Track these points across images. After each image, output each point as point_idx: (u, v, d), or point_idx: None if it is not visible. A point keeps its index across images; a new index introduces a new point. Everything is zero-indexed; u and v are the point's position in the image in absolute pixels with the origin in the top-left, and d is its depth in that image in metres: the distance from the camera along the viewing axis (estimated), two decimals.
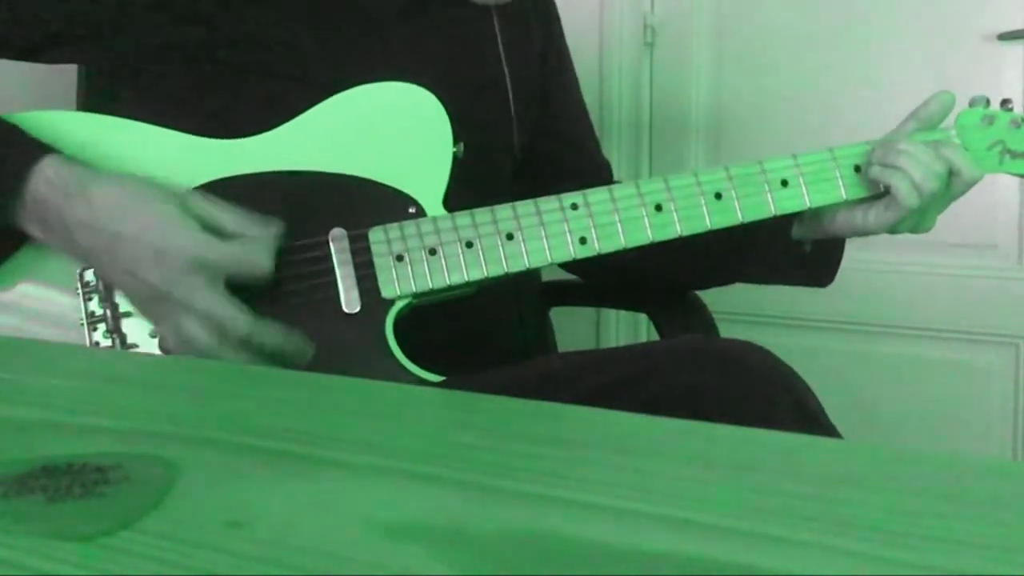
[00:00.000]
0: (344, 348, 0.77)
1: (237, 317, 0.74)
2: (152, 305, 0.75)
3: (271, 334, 0.75)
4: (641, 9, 1.78)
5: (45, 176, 0.75)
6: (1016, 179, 1.52)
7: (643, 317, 1.66)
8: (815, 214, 0.88)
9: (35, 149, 0.76)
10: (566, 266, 1.10)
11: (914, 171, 0.83)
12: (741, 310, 1.60)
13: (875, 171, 0.85)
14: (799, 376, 0.73)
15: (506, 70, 0.94)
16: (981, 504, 0.31)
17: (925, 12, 1.55)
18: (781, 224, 0.89)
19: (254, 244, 0.75)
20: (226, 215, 0.75)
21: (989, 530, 0.29)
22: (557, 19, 1.07)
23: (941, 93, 0.88)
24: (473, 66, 0.93)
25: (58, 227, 0.75)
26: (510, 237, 0.81)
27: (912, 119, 0.89)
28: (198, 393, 0.49)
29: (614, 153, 1.76)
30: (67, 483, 0.32)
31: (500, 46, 0.94)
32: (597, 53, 1.81)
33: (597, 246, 0.82)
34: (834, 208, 0.87)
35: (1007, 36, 1.48)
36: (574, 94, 1.09)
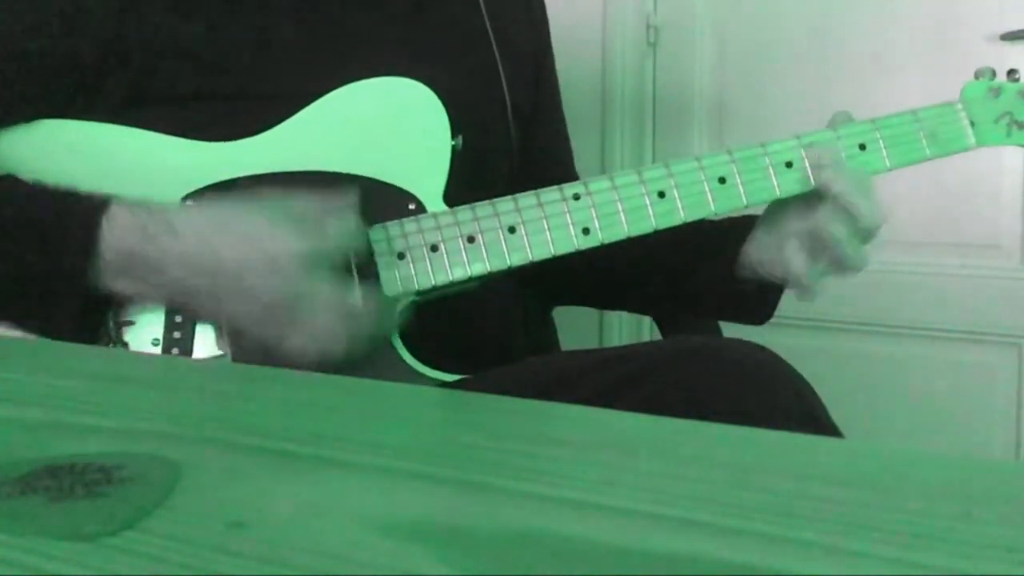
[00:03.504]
0: None
1: (362, 303, 0.74)
2: (273, 322, 0.72)
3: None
4: (644, 9, 1.78)
5: (119, 223, 0.72)
6: (1020, 180, 1.53)
7: (646, 318, 1.66)
8: (757, 259, 0.87)
9: (98, 200, 0.73)
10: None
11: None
12: None
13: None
14: (802, 376, 0.73)
15: (501, 70, 0.94)
16: (983, 504, 0.31)
17: (927, 11, 1.55)
18: (725, 261, 0.89)
19: (344, 220, 0.73)
20: (301, 204, 0.74)
21: (991, 530, 0.29)
22: (547, 23, 1.07)
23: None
24: (469, 67, 0.93)
25: (148, 272, 0.72)
26: (512, 230, 0.81)
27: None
28: (201, 393, 0.49)
29: (617, 154, 1.76)
30: (70, 483, 0.32)
31: (494, 46, 0.94)
32: (600, 53, 1.81)
33: (600, 236, 0.82)
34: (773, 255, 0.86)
35: (1010, 36, 1.48)
36: (556, 104, 1.09)
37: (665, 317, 1.07)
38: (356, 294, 0.74)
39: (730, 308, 0.95)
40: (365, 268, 0.78)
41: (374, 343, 0.75)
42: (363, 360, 0.76)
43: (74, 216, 0.73)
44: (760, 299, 0.92)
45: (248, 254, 0.71)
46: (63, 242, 0.72)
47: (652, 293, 1.00)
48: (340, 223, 0.74)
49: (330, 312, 0.72)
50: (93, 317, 0.75)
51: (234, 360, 0.76)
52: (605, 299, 1.07)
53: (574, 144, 1.12)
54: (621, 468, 0.35)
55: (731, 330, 1.02)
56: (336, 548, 0.27)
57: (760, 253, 0.87)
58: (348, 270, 0.76)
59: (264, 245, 0.71)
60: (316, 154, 0.81)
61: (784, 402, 0.69)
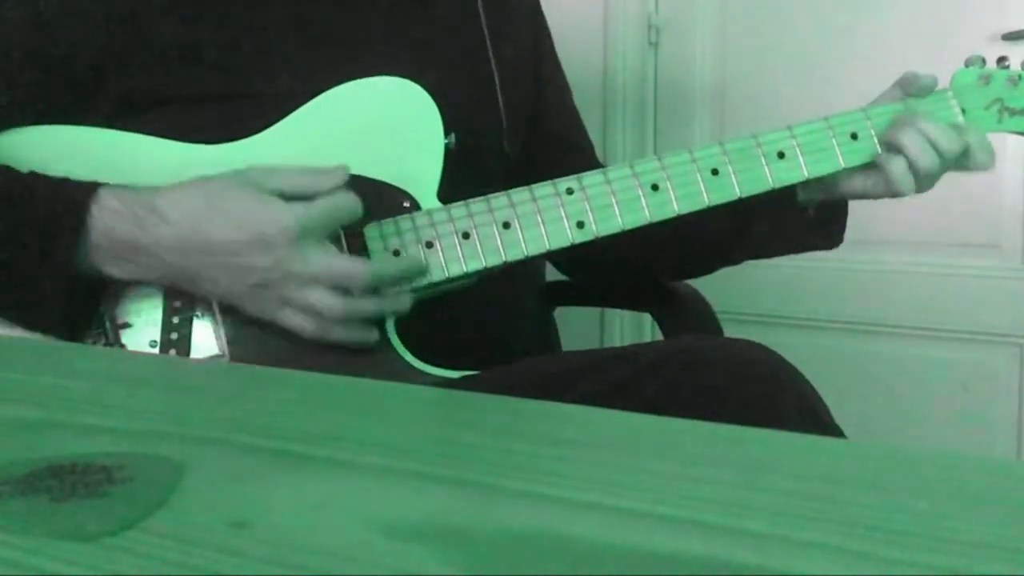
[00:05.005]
0: (348, 347, 0.77)
1: (357, 263, 0.74)
2: (267, 298, 0.73)
3: (387, 263, 0.76)
4: (645, 9, 1.78)
5: (108, 209, 0.73)
6: (1020, 180, 1.53)
7: (647, 317, 1.66)
8: (818, 179, 0.88)
9: (86, 185, 0.74)
10: (560, 267, 1.10)
11: (919, 158, 0.83)
12: (743, 310, 1.59)
13: (881, 156, 0.85)
14: (803, 375, 0.73)
15: (495, 69, 0.94)
16: (984, 504, 0.31)
17: (929, 12, 1.55)
18: (785, 193, 0.89)
19: (337, 192, 0.74)
20: (293, 176, 0.74)
21: (992, 530, 0.29)
22: (542, 18, 1.07)
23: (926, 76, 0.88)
24: (461, 66, 0.93)
25: (140, 256, 0.73)
26: (507, 226, 0.81)
27: (898, 87, 0.89)
28: (202, 393, 0.49)
29: (619, 154, 1.76)
30: (72, 483, 0.32)
31: (488, 46, 0.94)
32: (601, 53, 1.81)
33: (595, 229, 0.82)
34: (836, 174, 0.88)
35: (1011, 36, 1.48)
36: (566, 96, 1.09)
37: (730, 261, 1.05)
38: (349, 264, 0.75)
39: (800, 237, 0.95)
40: (352, 237, 0.78)
41: (369, 315, 0.75)
42: (362, 356, 0.77)
43: (62, 200, 0.74)
44: (827, 221, 0.92)
45: (239, 234, 0.72)
46: (51, 226, 0.73)
47: (717, 250, 0.99)
48: (336, 197, 0.74)
49: (323, 283, 0.72)
50: (81, 305, 0.76)
51: (232, 360, 0.76)
52: (671, 268, 1.05)
53: None
54: (621, 468, 0.35)
55: (732, 329, 1.02)
56: (337, 548, 0.27)
57: (821, 180, 0.89)
58: (339, 240, 0.76)
59: (254, 223, 0.72)
60: (311, 154, 0.81)
61: (785, 401, 0.70)
